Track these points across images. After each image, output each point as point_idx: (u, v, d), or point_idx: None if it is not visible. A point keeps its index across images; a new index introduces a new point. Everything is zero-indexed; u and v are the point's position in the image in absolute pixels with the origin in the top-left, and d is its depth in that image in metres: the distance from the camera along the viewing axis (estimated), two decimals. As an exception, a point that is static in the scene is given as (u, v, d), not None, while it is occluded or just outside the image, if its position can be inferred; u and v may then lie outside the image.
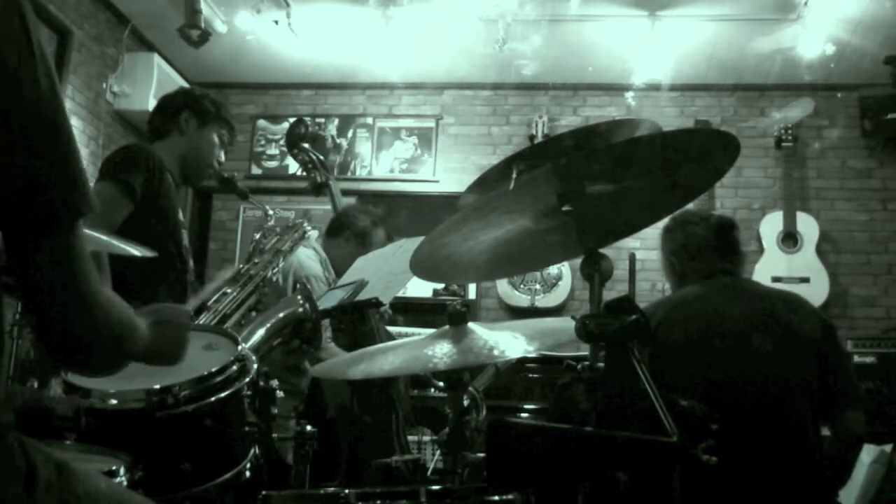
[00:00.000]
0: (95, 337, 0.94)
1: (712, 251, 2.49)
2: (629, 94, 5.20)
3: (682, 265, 2.54)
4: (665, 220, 2.61)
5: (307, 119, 4.00)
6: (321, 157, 3.33)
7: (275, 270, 2.28)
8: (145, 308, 1.15)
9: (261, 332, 1.95)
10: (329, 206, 3.38)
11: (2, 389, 1.01)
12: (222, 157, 2.72)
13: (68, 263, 0.89)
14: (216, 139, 2.68)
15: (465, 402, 1.61)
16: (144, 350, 1.06)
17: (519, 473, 1.23)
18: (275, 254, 2.30)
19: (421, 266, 1.52)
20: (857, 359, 4.15)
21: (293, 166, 5.53)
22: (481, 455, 1.52)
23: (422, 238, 1.46)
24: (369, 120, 5.75)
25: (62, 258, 0.88)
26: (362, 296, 2.50)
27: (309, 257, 3.17)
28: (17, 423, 0.92)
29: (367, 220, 3.28)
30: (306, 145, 3.31)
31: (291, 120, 5.73)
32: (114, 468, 1.25)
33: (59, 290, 0.89)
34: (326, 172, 3.30)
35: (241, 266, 2.34)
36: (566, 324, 1.49)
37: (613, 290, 1.24)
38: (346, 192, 3.47)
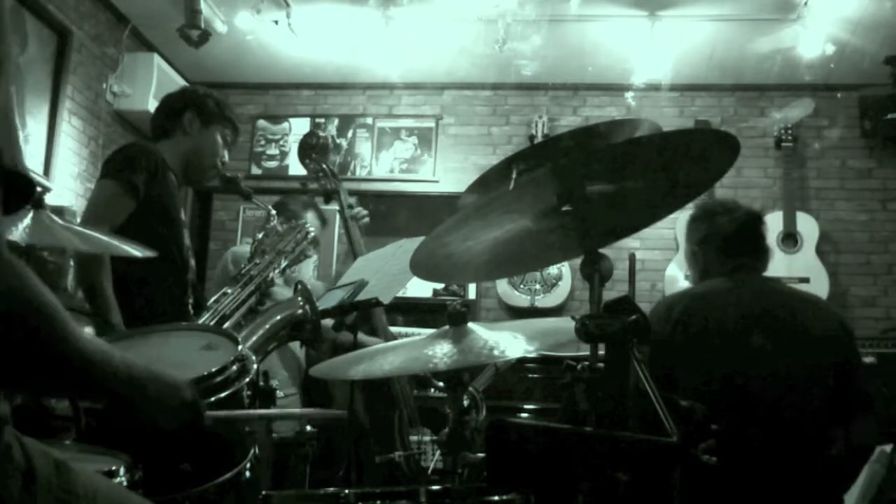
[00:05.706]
0: None
1: (735, 245, 2.43)
2: (629, 94, 5.20)
3: (704, 257, 2.49)
4: (690, 209, 2.54)
5: (320, 133, 4.26)
6: (331, 167, 3.48)
7: (276, 272, 2.28)
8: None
9: (261, 333, 1.95)
10: (336, 208, 3.46)
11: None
12: (226, 157, 2.72)
13: None
14: (219, 139, 2.67)
15: (465, 402, 1.61)
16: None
17: (519, 473, 1.23)
18: (276, 254, 2.30)
19: (421, 266, 1.52)
20: (857, 359, 4.15)
21: (293, 167, 5.54)
22: (481, 455, 1.52)
23: (422, 238, 1.46)
24: (369, 120, 5.75)
25: None
26: (362, 296, 2.50)
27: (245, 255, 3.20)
28: (16, 423, 0.91)
29: (297, 204, 3.49)
30: (316, 155, 3.46)
31: (292, 120, 5.81)
32: (113, 468, 1.25)
33: None
34: (336, 181, 3.43)
35: (241, 266, 2.34)
36: (566, 324, 1.48)
37: (613, 290, 1.24)
38: (346, 193, 3.57)
